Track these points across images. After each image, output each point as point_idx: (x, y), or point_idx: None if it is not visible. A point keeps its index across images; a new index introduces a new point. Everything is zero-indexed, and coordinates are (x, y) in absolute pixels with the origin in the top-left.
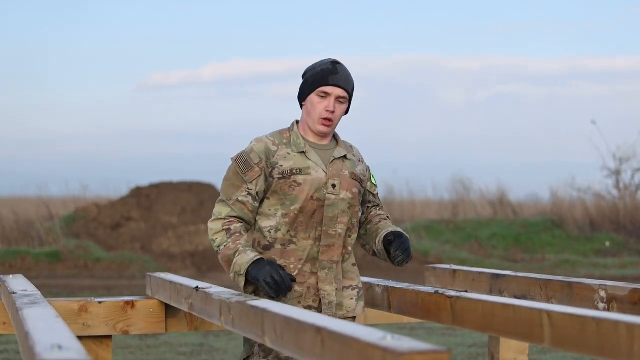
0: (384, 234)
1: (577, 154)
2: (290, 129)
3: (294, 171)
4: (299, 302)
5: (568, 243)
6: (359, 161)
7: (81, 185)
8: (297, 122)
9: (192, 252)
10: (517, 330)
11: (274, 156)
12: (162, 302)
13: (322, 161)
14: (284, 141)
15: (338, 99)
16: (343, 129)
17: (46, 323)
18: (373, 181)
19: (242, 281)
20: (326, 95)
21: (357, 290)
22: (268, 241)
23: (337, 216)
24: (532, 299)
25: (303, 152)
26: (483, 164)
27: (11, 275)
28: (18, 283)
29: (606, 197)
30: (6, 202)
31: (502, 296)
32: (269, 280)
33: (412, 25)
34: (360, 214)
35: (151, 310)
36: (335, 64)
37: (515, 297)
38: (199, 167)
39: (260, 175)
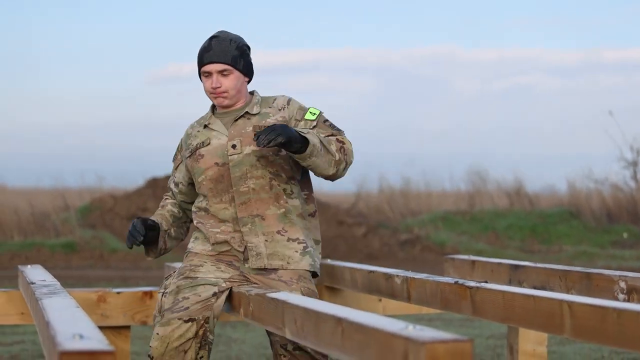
0: None
1: (594, 145)
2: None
3: (198, 145)
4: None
5: (585, 234)
6: (281, 109)
7: (97, 176)
8: None
9: None
10: (538, 321)
11: (189, 138)
12: None
13: (225, 127)
14: (201, 120)
15: (220, 73)
16: (357, 117)
17: (66, 313)
18: (308, 117)
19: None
20: (209, 74)
21: (303, 245)
22: (195, 216)
23: (245, 173)
24: (552, 289)
25: (206, 125)
26: (500, 155)
27: (29, 266)
28: (36, 273)
29: (623, 188)
30: (22, 193)
31: (521, 287)
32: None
33: (428, 17)
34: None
35: None
36: (212, 39)
37: (535, 287)
38: None
39: (180, 163)
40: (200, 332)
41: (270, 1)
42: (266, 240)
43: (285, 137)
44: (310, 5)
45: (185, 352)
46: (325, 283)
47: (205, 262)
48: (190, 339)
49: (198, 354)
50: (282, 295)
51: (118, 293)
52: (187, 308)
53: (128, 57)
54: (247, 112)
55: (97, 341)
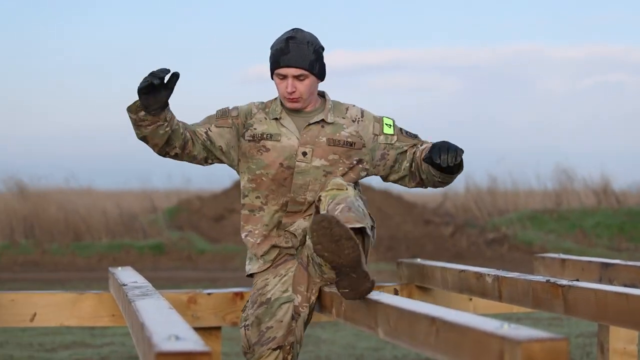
0: (425, 154)
1: None
2: (275, 99)
3: (265, 136)
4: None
5: None
6: (354, 121)
7: (184, 177)
8: None
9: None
10: (631, 319)
11: (251, 118)
12: None
13: (296, 128)
14: (266, 109)
15: (296, 77)
16: (443, 117)
17: (160, 314)
18: (387, 130)
19: (131, 113)
20: (284, 76)
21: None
22: (243, 219)
23: (307, 184)
24: None
25: (277, 118)
26: (586, 153)
27: (120, 268)
28: (127, 275)
29: None
30: (110, 195)
31: (612, 285)
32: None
33: (514, 14)
34: (364, 173)
35: None
36: (289, 40)
37: (625, 285)
38: None
39: (229, 127)
40: (289, 358)
41: (353, 2)
42: (304, 218)
43: (461, 154)
44: (395, 3)
45: None
46: (416, 282)
47: (268, 278)
48: None
49: None
50: (375, 295)
51: (209, 294)
52: (274, 338)
53: (215, 58)
54: (323, 120)
55: (193, 342)
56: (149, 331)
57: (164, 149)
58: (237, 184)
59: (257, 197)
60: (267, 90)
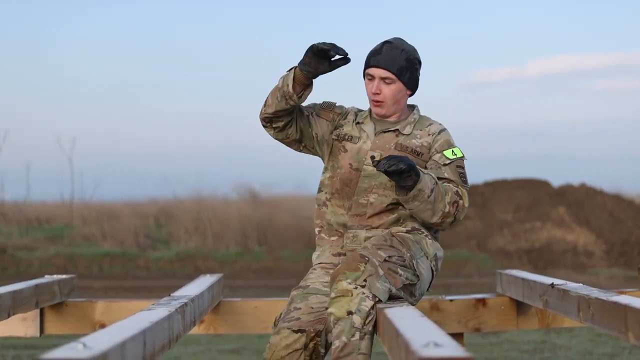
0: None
1: None
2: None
3: (346, 137)
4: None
5: None
6: (429, 135)
7: None
8: None
9: (528, 249)
10: None
11: (345, 118)
12: (513, 299)
13: (374, 133)
14: (358, 113)
15: (383, 79)
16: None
17: (413, 322)
18: (448, 154)
19: (288, 77)
20: (372, 77)
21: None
22: (316, 212)
23: (371, 187)
24: None
25: (360, 122)
26: None
27: None
28: None
29: None
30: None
31: None
32: (325, 43)
33: None
34: None
35: (502, 307)
36: (384, 43)
37: None
38: (525, 165)
39: (328, 121)
40: (311, 345)
41: (578, 5)
42: (367, 237)
43: (406, 165)
44: (621, 6)
45: None
46: None
47: (315, 269)
48: (298, 349)
49: None
50: (624, 299)
51: (451, 301)
52: (298, 319)
53: (436, 65)
54: (397, 130)
55: (453, 348)
56: (405, 338)
57: (271, 118)
58: (469, 190)
59: (325, 193)
60: (487, 95)
